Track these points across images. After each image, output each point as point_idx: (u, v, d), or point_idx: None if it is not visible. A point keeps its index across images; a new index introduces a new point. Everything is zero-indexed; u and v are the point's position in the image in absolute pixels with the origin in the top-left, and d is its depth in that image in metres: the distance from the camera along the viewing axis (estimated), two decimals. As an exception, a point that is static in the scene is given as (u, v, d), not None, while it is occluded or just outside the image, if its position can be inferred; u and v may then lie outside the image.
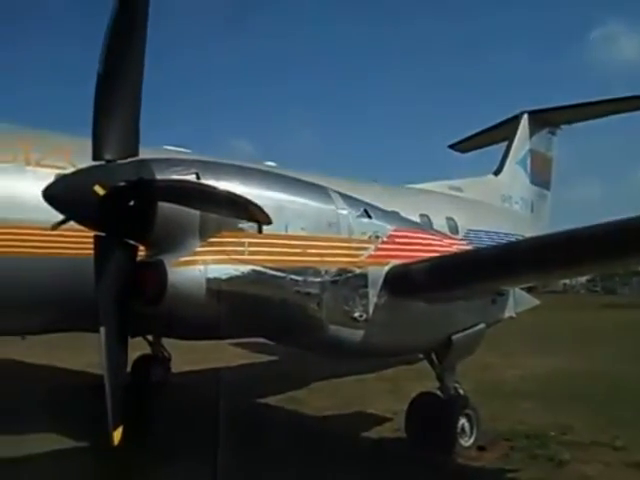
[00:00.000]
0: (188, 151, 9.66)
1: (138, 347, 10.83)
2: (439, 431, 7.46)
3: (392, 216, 7.29)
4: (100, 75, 5.38)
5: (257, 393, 11.31)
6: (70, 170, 6.93)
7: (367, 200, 6.98)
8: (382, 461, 7.47)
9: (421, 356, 8.30)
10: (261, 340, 11.98)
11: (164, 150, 9.10)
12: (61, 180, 5.31)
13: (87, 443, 8.15)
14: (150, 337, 11.72)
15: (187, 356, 12.76)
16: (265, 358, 15.41)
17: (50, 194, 5.14)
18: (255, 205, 4.89)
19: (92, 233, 5.54)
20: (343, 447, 8.07)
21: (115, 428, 5.06)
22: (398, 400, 9.60)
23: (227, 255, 5.45)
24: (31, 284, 7.20)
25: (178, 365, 12.67)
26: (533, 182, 19.08)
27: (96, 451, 7.72)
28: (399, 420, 8.35)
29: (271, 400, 10.88)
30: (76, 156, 7.58)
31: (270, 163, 10.66)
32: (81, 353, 13.06)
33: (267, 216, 4.94)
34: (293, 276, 5.80)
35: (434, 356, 7.64)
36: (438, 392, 7.64)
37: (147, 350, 11.97)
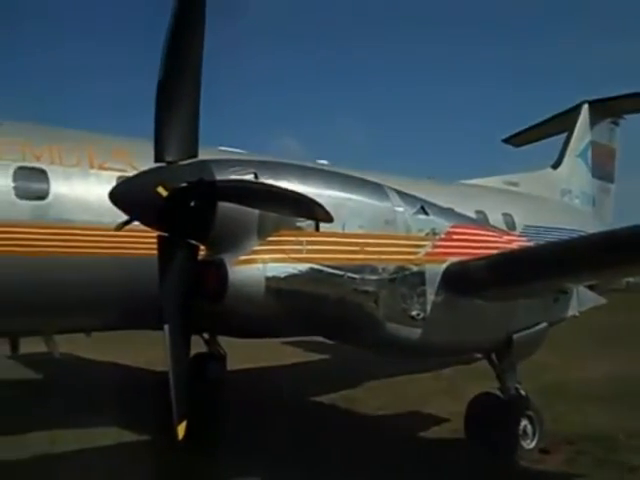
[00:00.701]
0: (242, 151, 9.78)
1: (194, 345, 11.03)
2: (500, 433, 7.29)
3: (449, 212, 7.17)
4: (160, 80, 5.53)
5: (311, 392, 11.36)
6: (130, 172, 7.20)
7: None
8: (441, 462, 7.36)
9: (479, 356, 8.15)
10: (315, 339, 12.13)
11: (219, 151, 9.24)
12: (126, 182, 5.47)
13: (148, 437, 8.39)
14: (206, 335, 11.93)
15: (240, 354, 12.92)
16: (317, 357, 15.45)
17: (116, 196, 5.32)
18: (317, 203, 4.91)
19: (154, 233, 5.73)
20: (401, 447, 8.00)
21: (179, 423, 5.19)
22: (455, 400, 9.45)
23: (285, 254, 5.49)
24: (96, 283, 7.46)
25: (232, 363, 12.85)
26: (595, 175, 18.35)
27: (156, 445, 7.97)
28: (457, 421, 8.21)
29: (325, 399, 10.90)
30: (135, 158, 7.83)
31: (322, 162, 10.66)
32: (141, 350, 13.48)
33: (329, 214, 4.95)
34: (351, 274, 5.79)
35: (494, 356, 7.48)
36: (498, 392, 7.46)
37: (203, 348, 12.21)
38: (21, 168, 7.18)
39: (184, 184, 5.25)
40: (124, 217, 5.84)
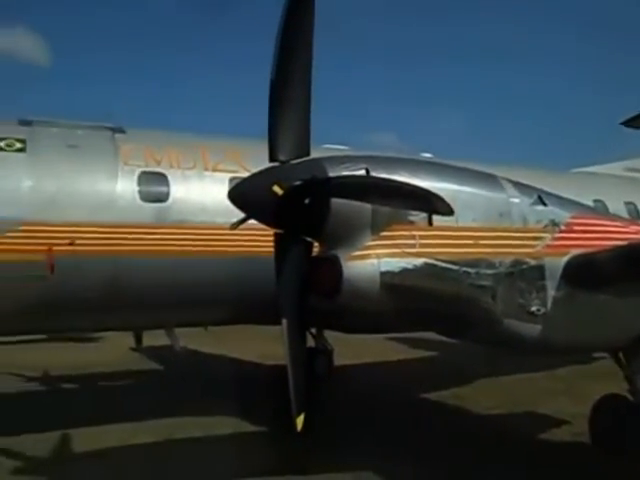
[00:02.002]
0: (346, 148, 9.83)
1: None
2: (631, 438, 6.80)
3: (569, 202, 6.78)
4: (272, 80, 5.68)
5: (419, 388, 11.22)
6: (242, 173, 7.47)
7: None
8: (566, 467, 6.99)
9: (600, 355, 7.67)
10: (421, 334, 11.96)
11: (324, 149, 9.35)
12: (243, 182, 5.67)
13: (264, 427, 8.67)
14: (313, 330, 12.13)
15: (345, 350, 13.03)
16: (423, 353, 15.24)
17: (234, 195, 5.53)
18: (436, 195, 4.83)
19: (268, 231, 5.90)
20: (519, 450, 7.70)
21: (298, 415, 5.31)
22: (575, 402, 9.00)
23: (399, 248, 5.46)
24: (213, 280, 7.82)
25: (337, 358, 12.97)
26: None
27: (272, 435, 8.23)
28: (579, 424, 7.77)
29: (434, 396, 10.73)
30: (247, 159, 8.11)
31: (426, 155, 10.49)
32: (252, 344, 13.98)
33: (449, 206, 4.85)
34: (466, 269, 5.64)
35: (621, 355, 6.99)
36: (627, 395, 6.97)
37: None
38: (144, 173, 7.68)
39: (298, 182, 5.36)
40: (238, 216, 6.09)
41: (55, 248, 6.83)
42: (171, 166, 7.90)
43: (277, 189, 5.28)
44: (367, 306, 5.56)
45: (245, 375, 12.46)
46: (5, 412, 9.26)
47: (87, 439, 7.92)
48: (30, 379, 12.12)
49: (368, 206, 5.44)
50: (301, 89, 5.64)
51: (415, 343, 15.19)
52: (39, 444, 7.67)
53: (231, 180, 8.00)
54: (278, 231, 5.66)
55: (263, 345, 13.08)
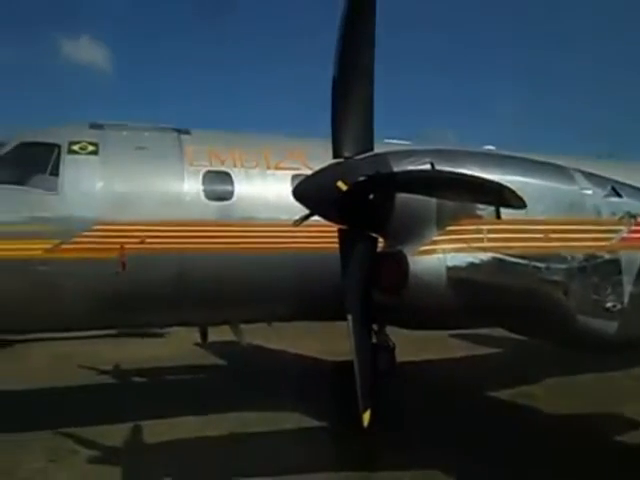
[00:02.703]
0: (408, 142, 9.72)
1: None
2: None
3: (646, 194, 6.47)
4: (335, 77, 5.69)
5: (485, 386, 10.98)
6: (304, 171, 7.52)
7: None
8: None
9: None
10: (484, 331, 11.69)
11: (385, 143, 9.28)
12: (308, 178, 5.71)
13: (326, 423, 8.71)
14: (375, 326, 12.07)
15: (407, 346, 12.90)
16: (486, 350, 14.90)
17: (299, 192, 5.58)
18: (507, 188, 4.72)
19: (330, 228, 5.93)
20: (598, 453, 7.37)
21: (365, 411, 5.31)
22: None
23: (466, 243, 5.37)
24: (276, 276, 7.92)
25: (400, 355, 12.84)
26: None
27: (335, 432, 8.26)
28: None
29: (502, 394, 10.47)
30: (308, 157, 8.16)
31: (489, 147, 10.23)
32: (313, 340, 14.06)
33: (521, 199, 4.73)
34: (536, 263, 5.48)
35: None
36: None
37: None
38: (209, 172, 7.86)
39: (363, 178, 5.36)
40: (301, 213, 6.14)
41: (126, 246, 7.10)
42: (235, 165, 8.06)
43: (341, 185, 5.29)
44: (433, 302, 5.49)
45: (308, 371, 12.55)
46: (80, 403, 9.75)
47: (157, 431, 8.18)
48: (102, 372, 12.65)
49: (433, 200, 5.38)
50: (364, 85, 5.63)
51: (478, 340, 14.87)
52: (113, 435, 7.99)
53: (293, 178, 8.08)
54: (342, 227, 5.68)
55: (324, 341, 13.15)
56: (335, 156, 5.66)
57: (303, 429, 8.41)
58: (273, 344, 14.49)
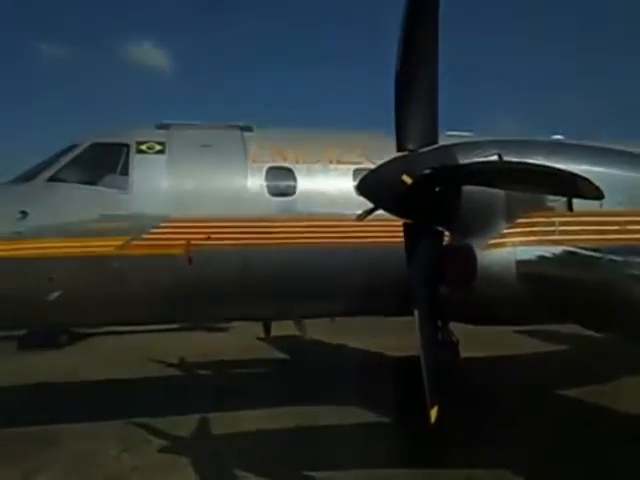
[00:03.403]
0: (470, 134, 9.49)
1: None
2: None
3: None
4: (398, 71, 5.61)
5: (554, 384, 10.61)
6: (365, 165, 7.48)
7: None
8: None
9: None
10: (552, 327, 11.29)
11: (447, 136, 9.11)
12: (372, 172, 5.67)
13: (390, 419, 8.65)
14: (439, 321, 11.90)
15: (471, 342, 12.65)
16: (554, 347, 14.41)
17: (363, 186, 5.56)
18: (582, 178, 4.53)
19: (394, 222, 5.87)
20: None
21: (432, 407, 5.23)
22: None
23: (537, 236, 5.21)
24: (339, 271, 7.92)
25: (464, 351, 12.60)
26: None
27: (398, 427, 8.20)
28: None
29: (572, 393, 10.09)
30: (369, 151, 8.12)
31: (557, 137, 9.86)
32: (375, 336, 14.01)
33: (598, 189, 4.53)
34: (612, 256, 5.24)
35: None
36: None
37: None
38: (271, 168, 7.95)
39: (428, 171, 5.27)
40: (363, 207, 6.11)
41: (193, 242, 7.27)
42: (296, 161, 8.12)
43: (406, 179, 5.23)
44: (502, 296, 5.37)
45: (371, 366, 12.52)
46: (150, 395, 10.10)
47: (223, 423, 8.35)
48: (169, 365, 13.05)
49: (502, 193, 5.24)
50: (427, 77, 5.53)
51: (545, 336, 14.42)
52: (182, 425, 8.22)
53: (355, 172, 8.06)
54: (407, 221, 5.61)
55: (387, 337, 13.08)
56: (399, 149, 5.60)
57: (366, 424, 8.39)
58: (336, 339, 14.54)
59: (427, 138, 5.57)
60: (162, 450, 7.42)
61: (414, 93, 5.51)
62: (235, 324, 15.78)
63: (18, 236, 6.94)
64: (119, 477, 6.64)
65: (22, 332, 14.38)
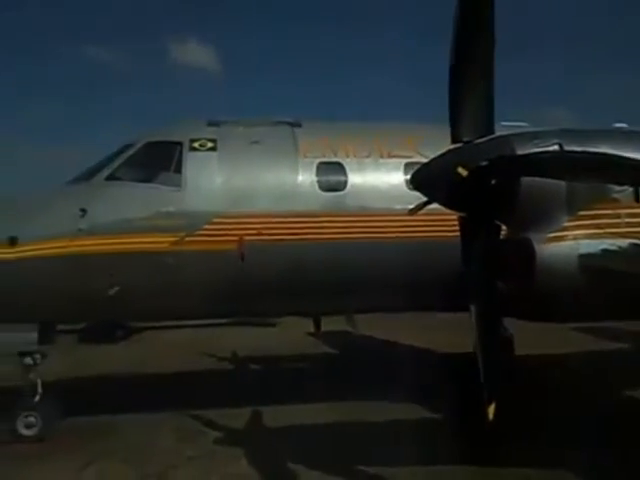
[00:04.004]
0: (525, 124, 9.22)
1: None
2: None
3: None
4: (453, 65, 5.48)
5: (615, 383, 10.19)
6: (417, 158, 7.37)
7: None
8: None
9: None
10: (608, 324, 10.85)
11: (502, 126, 8.87)
12: (426, 165, 5.57)
13: (442, 415, 8.51)
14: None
15: (525, 338, 12.31)
16: (612, 345, 13.88)
17: (416, 179, 5.47)
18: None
19: (447, 216, 5.76)
20: None
21: (489, 404, 5.11)
22: None
23: (601, 228, 5.01)
24: (390, 266, 7.86)
25: (518, 348, 12.28)
26: None
27: (452, 424, 8.05)
28: None
29: (634, 393, 9.69)
30: (421, 144, 8.00)
31: (621, 125, 9.44)
32: (425, 332, 13.85)
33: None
34: (682, 250, 4.99)
35: None
36: None
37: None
38: (322, 163, 7.94)
39: (484, 162, 5.13)
40: (414, 202, 6.02)
41: (245, 238, 7.34)
42: (347, 155, 8.08)
43: (462, 171, 5.10)
44: (563, 291, 5.18)
45: (421, 362, 12.37)
46: (203, 388, 10.27)
47: (275, 416, 8.40)
48: (220, 359, 13.26)
49: (563, 184, 5.06)
50: (484, 68, 5.39)
51: (601, 333, 13.91)
52: (235, 418, 8.30)
53: (406, 166, 7.97)
54: (463, 215, 5.49)
55: (437, 333, 12.92)
56: (454, 141, 5.48)
57: (419, 420, 8.28)
58: (387, 335, 14.44)
59: (482, 129, 5.43)
60: (217, 441, 7.51)
61: (469, 83, 5.38)
62: (283, 319, 15.89)
63: (80, 233, 7.18)
64: (176, 467, 6.74)
65: (81, 326, 14.87)
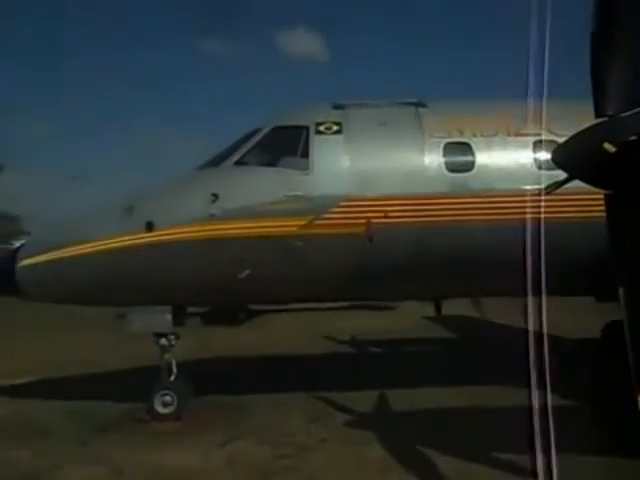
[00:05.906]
0: None
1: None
2: None
3: None
4: (594, 33, 5.13)
5: None
6: (546, 136, 7.01)
7: None
8: None
9: None
10: None
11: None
12: (569, 142, 5.27)
13: (574, 403, 8.11)
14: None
15: None
16: None
17: (559, 156, 5.19)
18: None
19: (586, 195, 5.45)
20: None
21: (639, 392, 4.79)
22: None
23: None
24: (520, 249, 7.54)
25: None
26: None
27: (590, 412, 7.65)
28: None
29: None
30: (549, 121, 7.54)
31: None
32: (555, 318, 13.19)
33: None
34: None
35: None
36: None
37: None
38: (449, 144, 7.79)
39: (633, 137, 4.77)
40: (546, 181, 5.74)
41: (372, 221, 7.39)
42: (474, 135, 7.86)
43: (608, 146, 4.77)
44: None
45: (549, 349, 11.84)
46: (327, 370, 10.52)
47: (400, 399, 8.39)
48: (340, 342, 13.52)
49: None
50: (628, 35, 4.99)
51: None
52: (361, 400, 8.38)
53: (535, 144, 7.62)
54: (609, 193, 5.15)
55: (568, 319, 12.24)
56: (597, 115, 5.12)
57: (555, 407, 7.94)
58: (511, 320, 13.97)
59: (629, 101, 5.03)
60: (347, 424, 7.55)
61: (613, 52, 5.01)
62: (399, 303, 15.84)
63: (212, 218, 7.51)
64: (310, 448, 6.80)
65: (205, 309, 15.66)
